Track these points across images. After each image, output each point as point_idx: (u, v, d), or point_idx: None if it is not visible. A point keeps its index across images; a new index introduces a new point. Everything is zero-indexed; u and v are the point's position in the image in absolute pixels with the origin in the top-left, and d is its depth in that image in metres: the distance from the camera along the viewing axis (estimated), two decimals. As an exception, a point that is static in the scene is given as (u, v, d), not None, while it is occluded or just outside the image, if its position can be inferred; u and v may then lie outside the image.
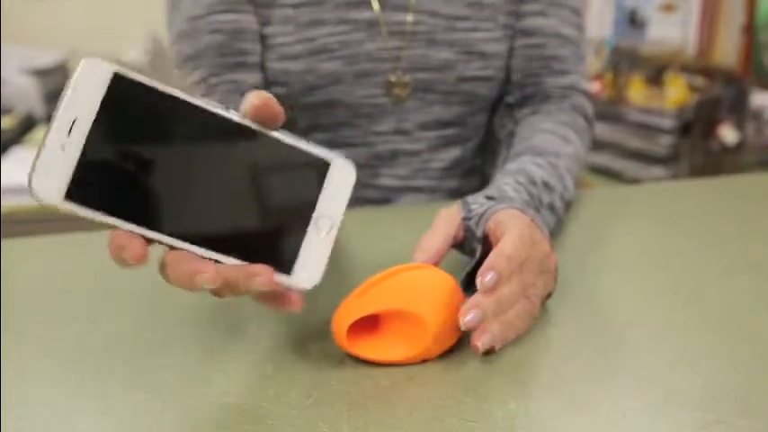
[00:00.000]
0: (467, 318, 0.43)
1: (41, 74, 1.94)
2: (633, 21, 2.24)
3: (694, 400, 0.41)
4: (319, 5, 0.69)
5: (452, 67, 0.72)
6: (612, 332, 0.49)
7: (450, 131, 0.77)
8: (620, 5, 2.27)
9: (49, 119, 1.98)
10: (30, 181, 0.34)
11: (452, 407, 0.41)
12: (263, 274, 0.38)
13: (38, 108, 1.92)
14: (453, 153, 0.78)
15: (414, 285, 0.45)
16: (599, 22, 2.22)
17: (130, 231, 0.36)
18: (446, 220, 0.52)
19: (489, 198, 0.53)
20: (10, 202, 1.26)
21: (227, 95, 0.69)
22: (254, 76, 0.70)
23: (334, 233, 0.42)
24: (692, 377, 0.44)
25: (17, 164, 1.53)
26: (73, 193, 0.34)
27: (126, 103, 0.36)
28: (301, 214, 0.41)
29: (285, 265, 0.40)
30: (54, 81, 2.01)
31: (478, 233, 0.50)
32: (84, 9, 2.19)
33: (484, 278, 0.44)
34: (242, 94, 0.69)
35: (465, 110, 0.75)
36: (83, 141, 0.35)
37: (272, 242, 0.40)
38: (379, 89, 0.72)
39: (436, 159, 0.78)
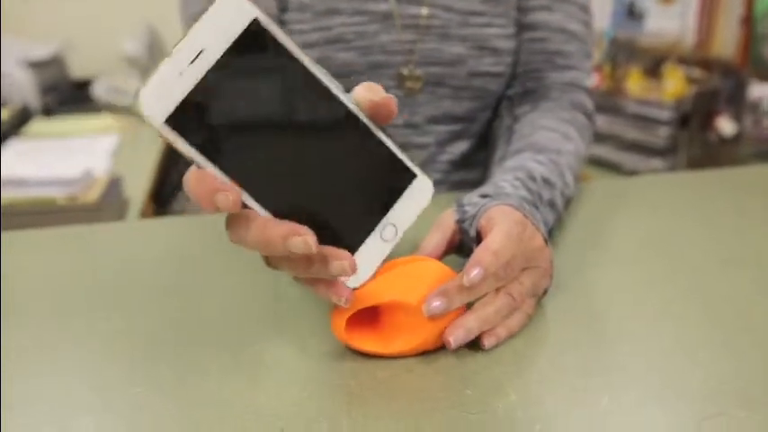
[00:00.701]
0: (432, 305, 0.43)
1: (37, 66, 1.93)
2: (632, 12, 2.24)
3: (695, 393, 0.41)
4: None
5: (464, 62, 0.72)
6: (612, 324, 0.49)
7: (459, 126, 0.77)
8: (619, -3, 2.26)
9: (44, 111, 1.98)
10: (139, 92, 0.34)
11: (452, 399, 0.41)
12: (346, 260, 0.39)
13: (33, 100, 1.92)
14: (461, 147, 0.78)
15: (412, 277, 0.45)
16: (598, 13, 2.20)
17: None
18: (441, 225, 0.52)
19: (483, 196, 0.52)
20: (9, 194, 1.25)
21: None
22: None
23: (393, 244, 0.42)
24: (692, 369, 0.43)
25: (14, 156, 1.52)
26: (174, 120, 0.34)
27: (255, 50, 0.36)
28: (373, 215, 0.41)
29: None
30: (50, 73, 2.00)
31: (472, 233, 0.50)
32: (82, 1, 2.18)
33: (469, 274, 0.43)
34: None
35: (475, 105, 0.75)
36: (202, 74, 0.34)
37: (338, 232, 0.40)
38: (391, 81, 0.72)
39: (444, 153, 0.78)
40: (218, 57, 0.34)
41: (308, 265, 0.39)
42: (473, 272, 0.43)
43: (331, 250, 0.39)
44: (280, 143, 0.38)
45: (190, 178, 0.36)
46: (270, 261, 0.40)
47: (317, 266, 0.39)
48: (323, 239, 0.38)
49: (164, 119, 0.34)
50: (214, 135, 0.35)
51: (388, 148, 0.41)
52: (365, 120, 0.40)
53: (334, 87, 0.38)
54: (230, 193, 0.35)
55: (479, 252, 0.44)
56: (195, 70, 0.34)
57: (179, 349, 0.47)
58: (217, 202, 0.35)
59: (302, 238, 0.37)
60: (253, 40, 0.35)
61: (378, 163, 0.41)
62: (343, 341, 0.44)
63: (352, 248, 0.41)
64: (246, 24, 0.35)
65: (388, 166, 0.42)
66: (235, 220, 0.38)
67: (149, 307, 0.53)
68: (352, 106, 0.39)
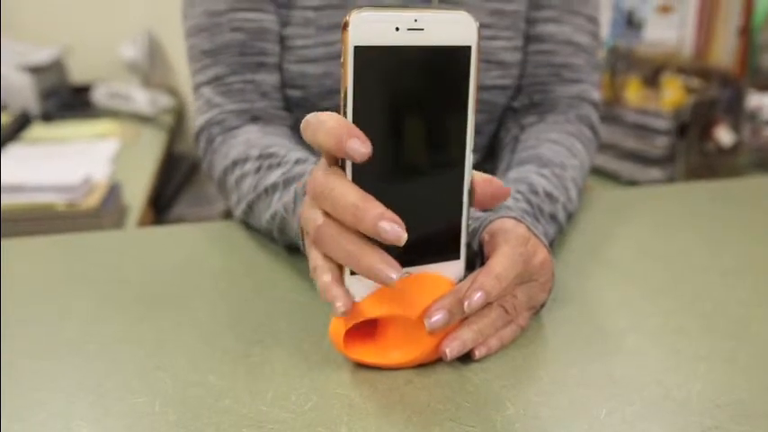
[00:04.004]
0: (433, 318, 0.43)
1: (37, 71, 1.93)
2: (630, 22, 2.25)
3: (693, 405, 0.41)
4: (340, 9, 0.68)
5: None
6: (611, 336, 0.49)
7: None
8: (618, 6, 2.27)
9: (43, 116, 1.98)
10: (361, 6, 0.39)
11: (451, 411, 0.41)
12: (393, 271, 0.40)
13: (33, 105, 1.92)
14: None
15: (412, 290, 0.45)
16: (596, 22, 2.21)
17: None
18: None
19: (485, 210, 0.52)
20: (8, 201, 1.25)
21: (247, 95, 0.69)
22: (274, 77, 0.70)
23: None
24: (691, 382, 0.44)
25: (14, 161, 1.52)
26: (362, 54, 0.38)
27: (448, 65, 0.40)
28: (406, 253, 0.41)
29: None
30: (49, 78, 2.00)
31: (474, 247, 0.50)
32: (81, 5, 2.18)
33: (471, 298, 0.42)
34: (262, 94, 0.69)
35: (481, 118, 0.75)
36: (407, 44, 0.38)
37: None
38: None
39: None
40: (427, 45, 0.39)
41: (357, 252, 0.40)
42: (475, 296, 0.42)
43: (385, 255, 0.40)
44: (400, 147, 0.40)
45: (331, 116, 0.38)
46: (320, 230, 0.41)
47: (363, 257, 0.40)
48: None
49: (358, 43, 0.37)
50: (370, 94, 0.38)
51: (460, 217, 0.43)
52: (467, 184, 0.42)
53: (469, 144, 0.42)
54: (365, 145, 0.37)
55: (482, 277, 0.43)
56: (406, 37, 0.38)
57: (177, 359, 0.47)
58: (350, 144, 0.37)
59: (398, 228, 0.38)
60: (454, 58, 0.39)
61: (443, 220, 0.43)
62: (342, 352, 0.44)
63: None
64: (459, 44, 0.39)
65: (450, 229, 0.43)
66: (338, 173, 0.40)
67: (148, 315, 0.53)
68: (467, 164, 0.42)
